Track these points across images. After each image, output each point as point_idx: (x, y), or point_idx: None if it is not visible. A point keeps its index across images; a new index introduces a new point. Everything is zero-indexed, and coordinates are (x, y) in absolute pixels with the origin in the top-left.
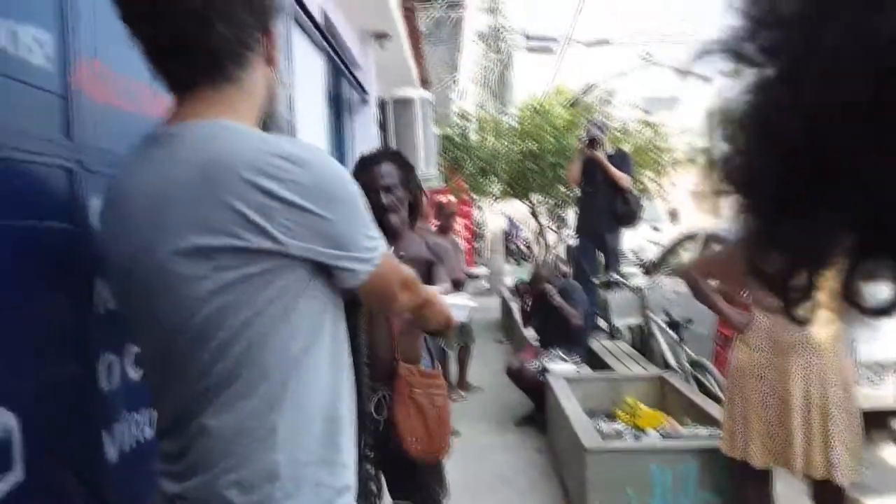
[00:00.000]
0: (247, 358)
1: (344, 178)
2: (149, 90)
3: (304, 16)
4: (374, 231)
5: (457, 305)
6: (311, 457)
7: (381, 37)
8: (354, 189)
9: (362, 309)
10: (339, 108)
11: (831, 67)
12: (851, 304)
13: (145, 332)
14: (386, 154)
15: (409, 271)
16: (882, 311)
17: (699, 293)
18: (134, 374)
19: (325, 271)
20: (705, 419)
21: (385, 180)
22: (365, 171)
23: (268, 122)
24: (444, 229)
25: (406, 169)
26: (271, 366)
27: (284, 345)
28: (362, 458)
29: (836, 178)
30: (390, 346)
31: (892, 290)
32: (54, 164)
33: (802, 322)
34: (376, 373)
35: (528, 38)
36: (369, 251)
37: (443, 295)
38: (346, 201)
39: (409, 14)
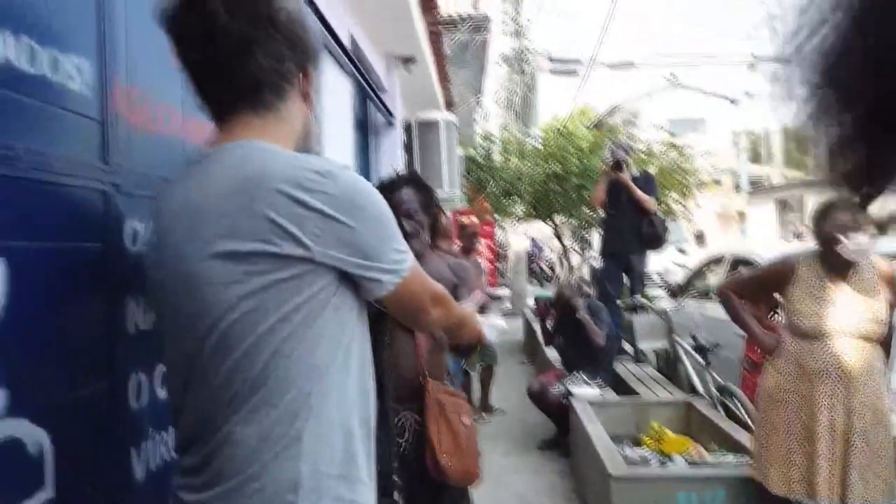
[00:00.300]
0: (272, 365)
1: (370, 191)
2: (181, 114)
3: (331, 40)
4: (403, 244)
5: (489, 325)
6: (332, 469)
7: (407, 61)
8: (381, 203)
9: (386, 326)
10: (365, 131)
11: None
12: None
13: (173, 341)
14: (405, 179)
15: (441, 288)
16: None
17: (732, 312)
18: (162, 393)
19: (351, 283)
20: (733, 446)
21: (405, 206)
22: (386, 196)
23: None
24: (467, 250)
25: (425, 192)
26: (295, 374)
27: (309, 353)
28: (388, 482)
29: None
30: (415, 365)
31: None
32: (90, 187)
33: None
34: (400, 393)
35: (551, 60)
36: (396, 263)
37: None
38: (372, 213)
39: (435, 39)
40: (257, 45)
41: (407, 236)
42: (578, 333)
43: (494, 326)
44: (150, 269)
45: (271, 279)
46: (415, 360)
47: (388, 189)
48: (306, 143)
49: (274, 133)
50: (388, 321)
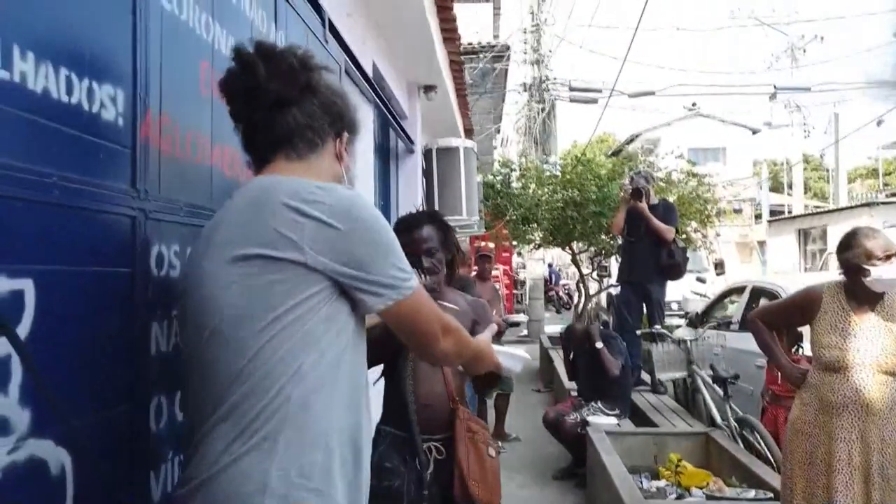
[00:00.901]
0: (256, 363)
1: (369, 207)
2: (209, 142)
3: (354, 68)
4: (405, 264)
5: (510, 356)
6: (306, 482)
7: (428, 89)
8: (380, 220)
9: (408, 358)
10: (386, 157)
11: None
12: None
13: (185, 344)
14: (425, 216)
15: (453, 320)
16: None
17: (762, 341)
18: (181, 416)
19: (349, 299)
20: (752, 480)
21: (426, 244)
22: (407, 234)
23: None
24: (483, 275)
25: (445, 230)
26: (278, 374)
27: (293, 356)
28: None
29: None
30: (444, 393)
31: None
32: (120, 213)
33: None
34: (426, 423)
35: (571, 89)
36: (397, 280)
37: (497, 346)
38: (367, 225)
39: (456, 67)
40: (293, 104)
41: (427, 273)
42: (594, 363)
43: (516, 357)
44: (179, 281)
45: (266, 280)
46: (443, 387)
47: (411, 226)
48: None
49: (302, 178)
50: (409, 353)
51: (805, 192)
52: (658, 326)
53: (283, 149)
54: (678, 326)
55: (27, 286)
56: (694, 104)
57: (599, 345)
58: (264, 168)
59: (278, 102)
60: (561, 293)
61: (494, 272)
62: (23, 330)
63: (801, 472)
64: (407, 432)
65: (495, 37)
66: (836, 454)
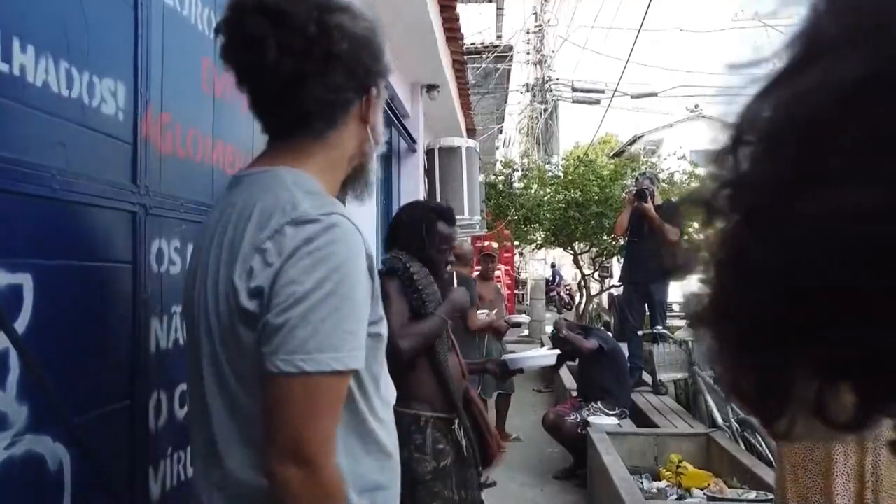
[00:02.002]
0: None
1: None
2: (211, 141)
3: None
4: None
5: (543, 356)
6: None
7: (430, 88)
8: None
9: (446, 347)
10: (388, 157)
11: (806, 236)
12: (823, 420)
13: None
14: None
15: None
16: (848, 427)
17: None
18: (180, 413)
19: None
20: (753, 481)
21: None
22: (452, 225)
23: (354, 176)
24: (485, 275)
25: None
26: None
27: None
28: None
29: (803, 324)
30: (459, 372)
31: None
32: (120, 208)
33: (782, 438)
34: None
35: (574, 90)
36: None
37: (531, 352)
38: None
39: (459, 67)
40: (311, 78)
41: (448, 264)
42: (594, 364)
43: (547, 356)
44: (188, 281)
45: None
46: (458, 366)
47: (454, 220)
48: (362, 161)
49: (317, 160)
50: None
51: None
52: (660, 327)
53: (296, 129)
54: (680, 327)
55: (26, 281)
56: (697, 106)
57: (564, 332)
58: (276, 144)
59: (291, 80)
60: (563, 293)
61: (497, 272)
62: (21, 325)
63: (794, 477)
64: (452, 412)
65: (498, 37)
66: (834, 456)
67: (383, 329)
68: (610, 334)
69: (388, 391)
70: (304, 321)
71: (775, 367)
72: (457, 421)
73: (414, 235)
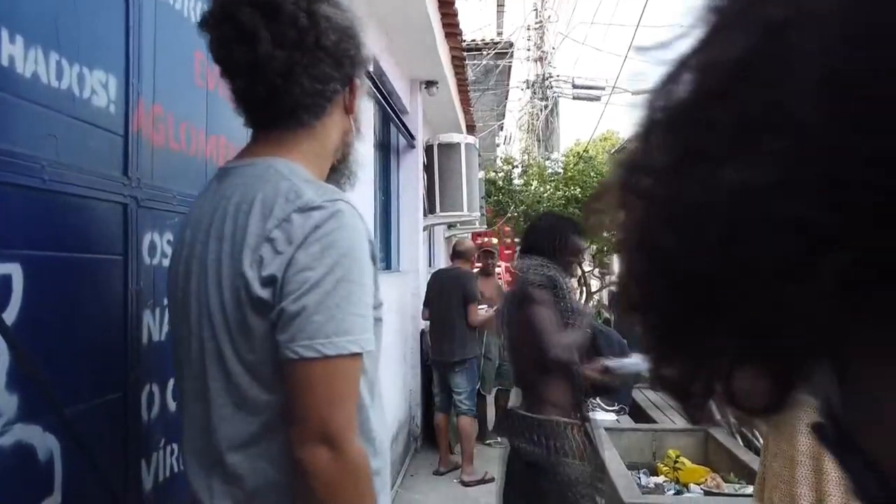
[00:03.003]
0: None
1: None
2: (203, 134)
3: None
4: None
5: (633, 363)
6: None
7: (429, 84)
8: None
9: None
10: (387, 152)
11: (689, 215)
12: (732, 405)
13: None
14: None
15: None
16: (763, 411)
17: None
18: (173, 405)
19: None
20: (751, 476)
21: None
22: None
23: (338, 166)
24: (487, 271)
25: None
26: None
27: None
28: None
29: (707, 309)
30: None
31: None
32: (111, 200)
33: (699, 422)
34: None
35: (574, 86)
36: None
37: (625, 360)
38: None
39: (458, 63)
40: (301, 70)
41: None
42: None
43: (635, 363)
44: (172, 275)
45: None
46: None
47: (575, 229)
48: (345, 150)
49: (305, 150)
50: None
51: None
52: None
53: (284, 121)
54: None
55: (15, 271)
56: None
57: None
58: (263, 135)
59: (284, 72)
60: None
61: (497, 269)
62: (10, 315)
63: (767, 464)
64: (582, 419)
65: (499, 34)
66: (798, 447)
67: (382, 314)
68: (612, 329)
69: (379, 374)
70: (321, 306)
71: (693, 353)
72: (586, 426)
73: (550, 243)
